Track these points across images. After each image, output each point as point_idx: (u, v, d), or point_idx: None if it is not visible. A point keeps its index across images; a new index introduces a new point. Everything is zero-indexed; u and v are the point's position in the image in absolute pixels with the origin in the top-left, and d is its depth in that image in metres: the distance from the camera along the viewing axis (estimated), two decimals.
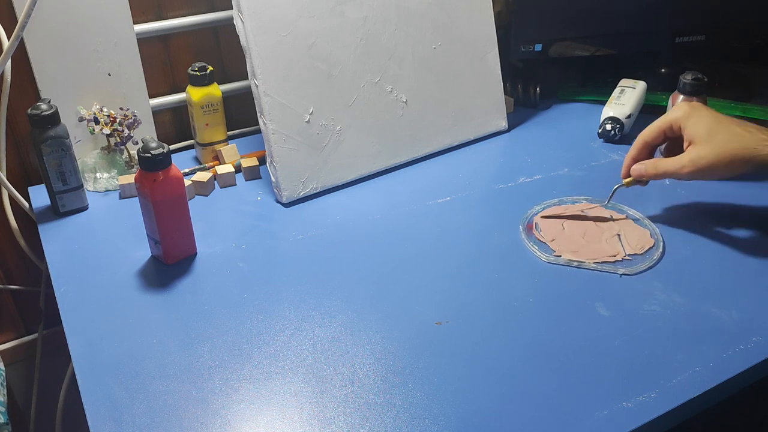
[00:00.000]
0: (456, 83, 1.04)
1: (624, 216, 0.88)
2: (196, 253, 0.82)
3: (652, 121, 1.13)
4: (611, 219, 0.87)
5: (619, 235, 0.84)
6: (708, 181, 0.95)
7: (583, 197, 0.92)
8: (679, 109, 0.81)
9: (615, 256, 0.80)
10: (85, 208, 0.91)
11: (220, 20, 1.03)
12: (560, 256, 0.80)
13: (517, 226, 0.86)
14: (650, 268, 0.79)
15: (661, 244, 0.83)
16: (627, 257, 0.81)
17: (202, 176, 0.95)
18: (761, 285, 0.76)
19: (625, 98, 1.08)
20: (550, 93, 1.21)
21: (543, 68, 1.24)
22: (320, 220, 0.88)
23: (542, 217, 0.88)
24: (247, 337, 0.70)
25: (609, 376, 0.65)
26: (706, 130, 0.78)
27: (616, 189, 0.86)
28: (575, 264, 0.80)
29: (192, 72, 0.95)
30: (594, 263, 0.79)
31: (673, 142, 0.85)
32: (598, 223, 0.86)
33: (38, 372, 1.10)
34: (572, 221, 0.87)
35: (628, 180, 0.85)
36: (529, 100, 1.18)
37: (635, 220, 0.87)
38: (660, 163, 0.82)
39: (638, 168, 0.83)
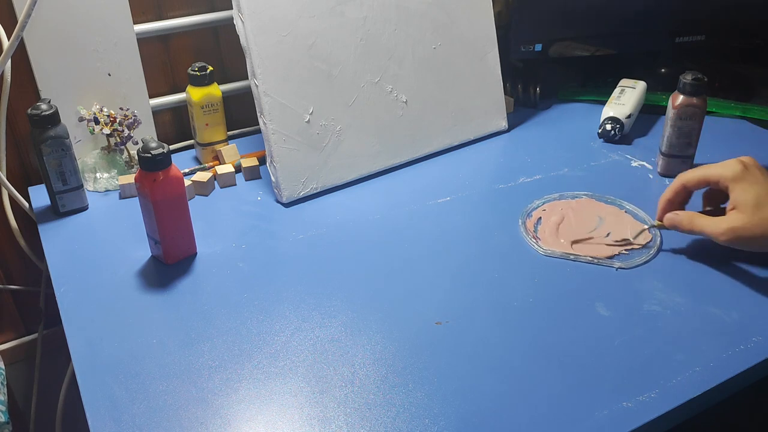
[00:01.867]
0: (456, 83, 1.04)
1: (623, 211, 0.88)
2: (196, 253, 0.82)
3: (652, 121, 1.13)
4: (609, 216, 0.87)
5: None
6: None
7: (583, 192, 0.92)
8: (730, 169, 0.75)
9: (620, 242, 0.81)
10: (85, 208, 0.91)
11: (220, 20, 1.03)
12: (557, 249, 0.81)
13: (517, 226, 0.86)
14: (646, 262, 0.79)
15: (659, 239, 0.83)
16: (624, 251, 0.81)
17: (202, 176, 0.95)
18: (761, 285, 0.76)
19: (625, 98, 1.08)
20: (550, 93, 1.21)
21: (543, 68, 1.24)
22: (320, 220, 0.88)
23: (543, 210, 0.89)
24: (247, 337, 0.70)
25: (609, 376, 0.65)
26: (754, 199, 0.72)
27: (645, 229, 0.83)
28: (571, 257, 0.80)
29: (192, 72, 0.95)
30: (590, 256, 0.80)
31: (715, 190, 0.80)
32: (596, 217, 0.87)
33: (38, 372, 1.10)
34: (572, 216, 0.87)
35: (659, 224, 0.82)
36: (529, 100, 1.18)
37: (634, 215, 0.88)
38: (697, 220, 0.76)
39: (673, 218, 0.79)
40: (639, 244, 0.82)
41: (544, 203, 0.90)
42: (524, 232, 0.85)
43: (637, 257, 0.80)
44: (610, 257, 0.80)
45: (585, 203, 0.90)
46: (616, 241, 0.83)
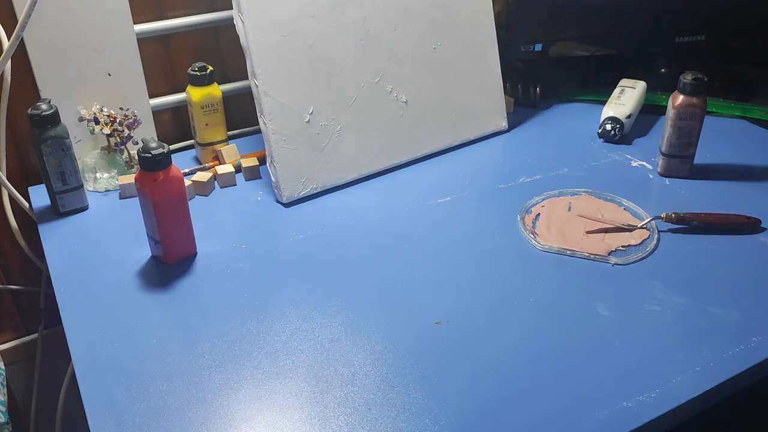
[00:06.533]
0: (456, 83, 1.04)
1: (622, 208, 0.89)
2: (196, 253, 0.82)
3: (652, 121, 1.13)
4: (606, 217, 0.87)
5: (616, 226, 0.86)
6: (708, 181, 0.95)
7: (583, 189, 0.93)
8: None
9: (627, 226, 0.82)
10: (85, 208, 0.91)
11: (220, 20, 1.03)
12: (554, 244, 0.82)
13: (516, 226, 0.86)
14: (643, 258, 0.79)
15: (656, 236, 0.83)
16: (621, 248, 0.81)
17: (202, 176, 0.95)
18: (761, 285, 0.76)
19: (625, 98, 1.08)
20: (550, 93, 1.21)
21: (543, 68, 1.24)
22: (320, 220, 0.88)
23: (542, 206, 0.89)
24: (247, 337, 0.70)
25: (609, 376, 0.65)
26: None
27: (649, 221, 0.84)
28: (568, 252, 0.80)
29: (192, 72, 0.95)
30: (588, 252, 0.80)
31: None
32: (595, 215, 0.87)
33: (38, 372, 1.10)
34: (573, 212, 0.88)
35: (665, 216, 0.83)
36: (529, 100, 1.18)
37: (633, 212, 0.88)
38: None
39: None
40: (646, 231, 0.84)
41: (543, 199, 0.91)
42: (522, 228, 0.85)
43: (633, 254, 0.80)
44: (607, 253, 0.80)
45: (584, 199, 0.91)
46: (623, 225, 0.84)
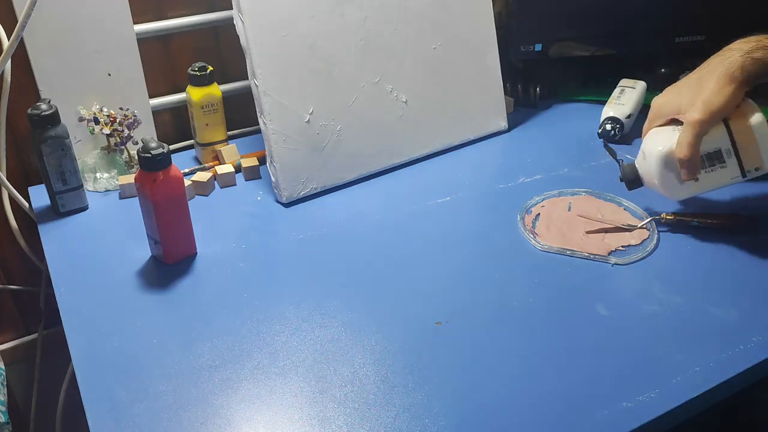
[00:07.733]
0: (456, 83, 1.04)
1: (622, 208, 0.89)
2: (196, 253, 0.82)
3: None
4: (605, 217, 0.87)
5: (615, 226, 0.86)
6: None
7: (583, 189, 0.93)
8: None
9: (626, 226, 0.83)
10: (85, 208, 0.91)
11: (220, 20, 1.03)
12: (554, 244, 0.82)
13: (516, 226, 0.86)
14: (643, 258, 0.79)
15: (656, 236, 0.83)
16: (621, 248, 0.81)
17: (202, 176, 0.95)
18: (761, 285, 0.76)
19: (625, 98, 1.08)
20: (550, 93, 1.21)
21: (543, 68, 1.23)
22: (320, 220, 0.88)
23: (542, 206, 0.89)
24: (247, 337, 0.70)
25: (609, 376, 0.65)
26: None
27: (649, 220, 0.85)
28: (568, 252, 0.80)
29: (192, 72, 0.95)
30: (587, 252, 0.80)
31: None
32: (596, 211, 0.87)
33: (38, 372, 1.10)
34: (573, 212, 0.88)
35: (665, 216, 0.84)
36: (529, 100, 1.18)
37: (633, 213, 0.88)
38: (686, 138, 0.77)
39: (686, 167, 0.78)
40: (646, 231, 0.84)
41: (543, 199, 0.91)
42: (522, 228, 0.85)
43: (633, 254, 0.80)
44: (607, 253, 0.80)
45: (584, 200, 0.91)
46: (623, 225, 0.84)
